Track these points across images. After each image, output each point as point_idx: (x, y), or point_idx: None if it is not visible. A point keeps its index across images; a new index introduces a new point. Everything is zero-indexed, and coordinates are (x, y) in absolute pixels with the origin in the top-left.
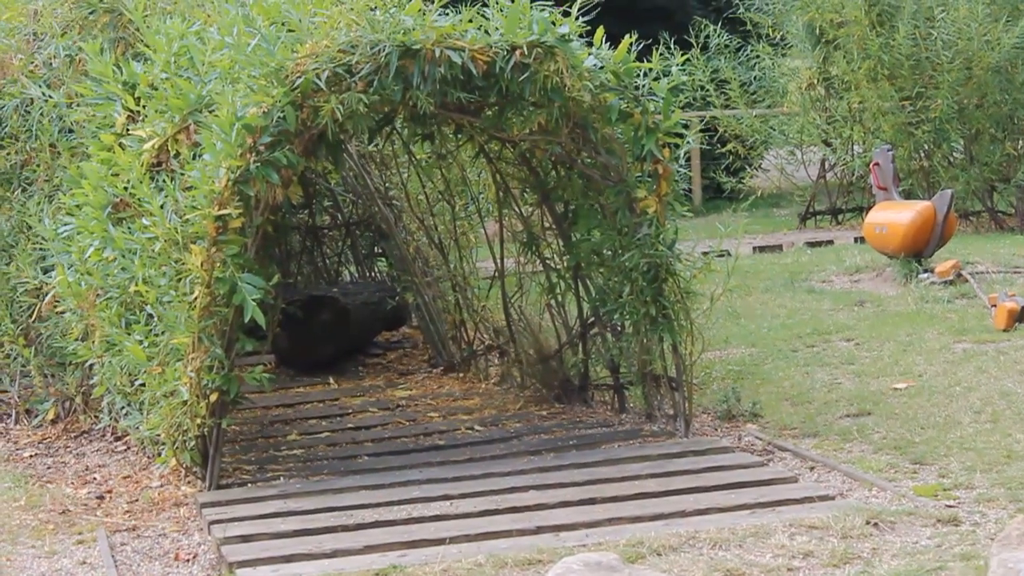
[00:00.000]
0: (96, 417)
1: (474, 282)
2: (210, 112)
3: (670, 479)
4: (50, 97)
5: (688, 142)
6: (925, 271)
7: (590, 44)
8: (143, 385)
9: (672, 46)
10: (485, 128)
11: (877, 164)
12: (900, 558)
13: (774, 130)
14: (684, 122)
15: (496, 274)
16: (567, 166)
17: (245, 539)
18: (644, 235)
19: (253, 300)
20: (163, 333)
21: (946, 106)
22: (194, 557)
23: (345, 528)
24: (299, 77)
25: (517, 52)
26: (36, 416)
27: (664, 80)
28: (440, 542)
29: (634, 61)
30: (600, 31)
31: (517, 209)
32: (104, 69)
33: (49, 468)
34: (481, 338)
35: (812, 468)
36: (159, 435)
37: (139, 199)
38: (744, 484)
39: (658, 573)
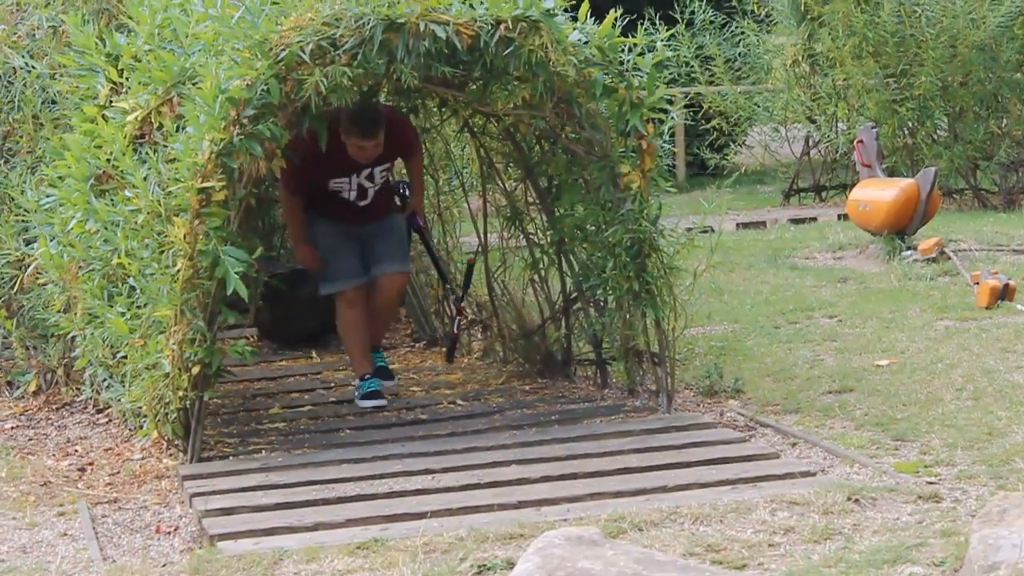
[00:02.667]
0: (78, 389)
1: (457, 257)
2: (194, 84)
3: (652, 454)
4: (33, 68)
5: (672, 118)
6: (908, 248)
7: (575, 19)
8: (125, 357)
9: (657, 22)
10: (469, 102)
11: (861, 141)
12: (881, 534)
13: (758, 107)
14: (668, 98)
15: (479, 249)
16: (551, 141)
17: (226, 512)
18: (628, 210)
19: (236, 273)
20: (145, 305)
21: (930, 83)
22: (175, 530)
23: (326, 502)
24: (283, 50)
25: (502, 26)
26: (17, 388)
27: (649, 55)
28: (422, 516)
29: (619, 36)
30: (585, 5)
31: (501, 184)
32: (87, 41)
33: (30, 440)
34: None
35: (794, 444)
36: (141, 407)
37: (122, 171)
38: (726, 460)
39: (639, 548)
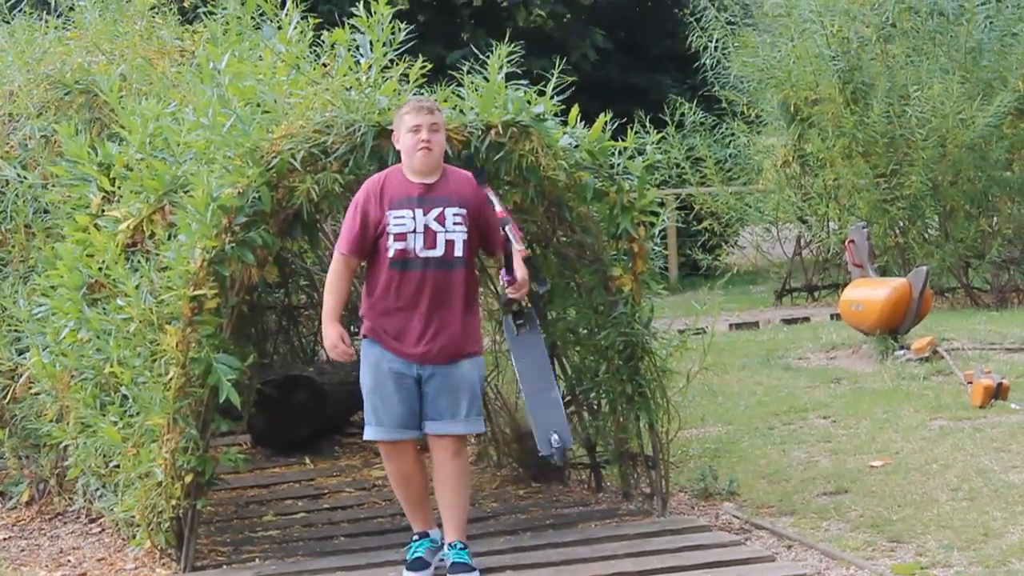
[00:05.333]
0: (70, 499)
1: None
2: (185, 193)
3: (647, 558)
4: (25, 178)
5: (664, 220)
6: (901, 348)
7: (565, 123)
8: (118, 466)
9: (647, 124)
10: None
11: (852, 241)
12: None
13: (750, 207)
14: (659, 200)
15: None
16: (543, 244)
17: None
18: (620, 313)
19: (228, 381)
20: (138, 414)
21: (921, 183)
22: None
23: None
24: (274, 157)
25: (492, 131)
26: (10, 498)
27: (639, 159)
28: None
29: (609, 140)
30: (575, 110)
31: (493, 287)
32: (79, 150)
33: (23, 551)
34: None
35: (790, 547)
36: (134, 517)
37: (114, 280)
38: (721, 563)
39: None
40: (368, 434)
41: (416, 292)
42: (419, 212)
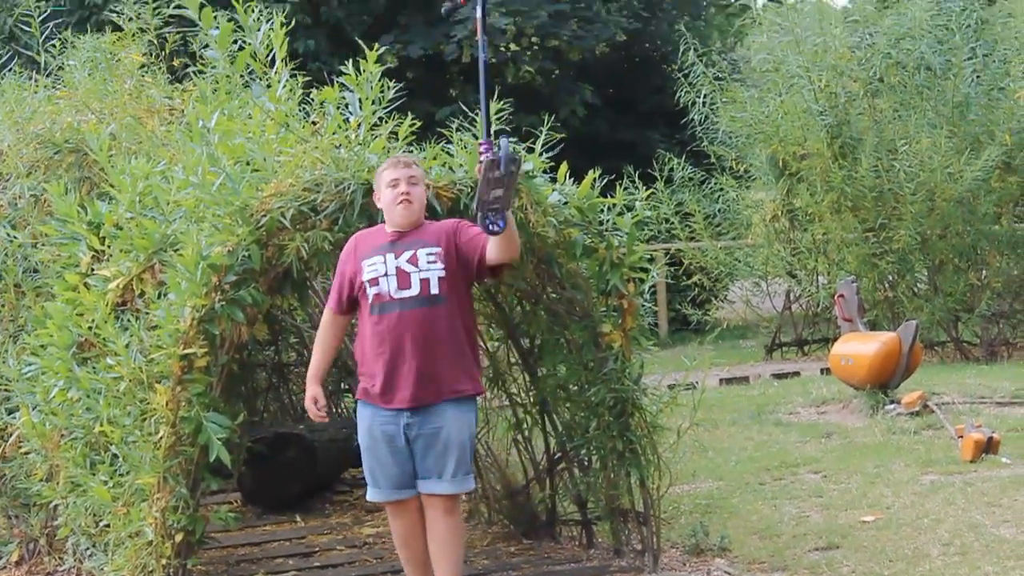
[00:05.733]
0: (60, 559)
1: None
2: (175, 251)
3: None
4: (15, 238)
5: (653, 276)
6: (891, 402)
7: (554, 180)
8: (108, 526)
9: (636, 179)
10: None
11: (842, 295)
12: None
13: (739, 262)
14: (649, 255)
15: None
16: (532, 301)
17: None
18: (610, 370)
19: (219, 439)
20: (128, 473)
21: (909, 237)
22: None
23: None
24: (264, 216)
25: None
26: (0, 559)
27: (628, 215)
28: None
29: (598, 196)
30: (564, 166)
31: (483, 345)
32: (69, 209)
33: None
34: None
35: None
36: None
37: (104, 339)
38: None
39: None
40: (369, 495)
41: (397, 334)
42: (390, 256)
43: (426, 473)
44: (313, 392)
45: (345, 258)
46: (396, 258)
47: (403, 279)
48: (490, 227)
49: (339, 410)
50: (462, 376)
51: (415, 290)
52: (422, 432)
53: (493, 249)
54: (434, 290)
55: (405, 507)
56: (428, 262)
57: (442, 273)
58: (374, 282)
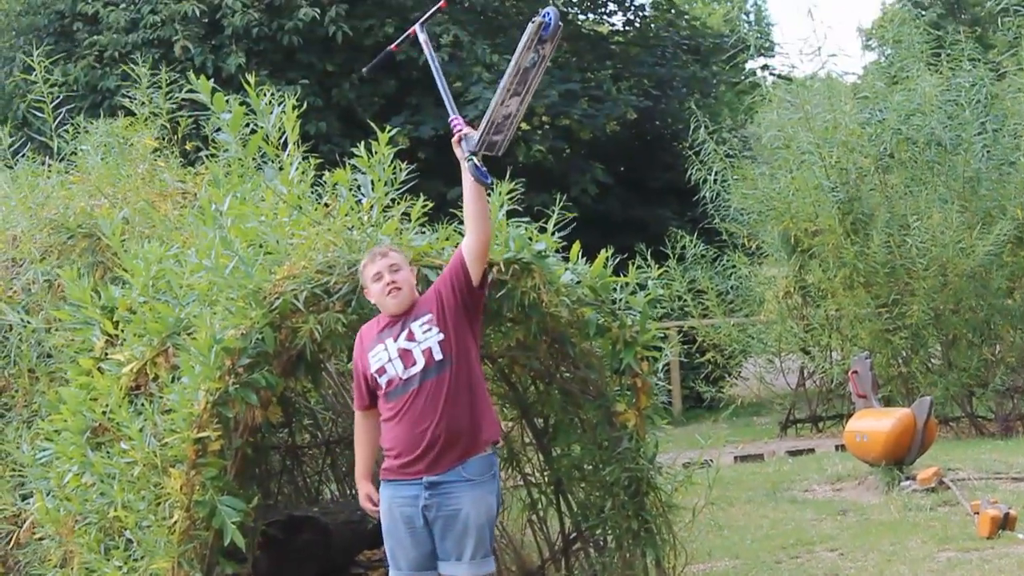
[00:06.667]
0: None
1: None
2: (188, 335)
3: None
4: (29, 323)
5: (666, 354)
6: (907, 479)
7: (566, 259)
8: None
9: (648, 257)
10: None
11: (856, 372)
12: None
13: (752, 338)
14: (662, 334)
15: None
16: (546, 381)
17: None
18: (624, 449)
19: (233, 523)
20: (142, 558)
21: (922, 312)
22: None
23: None
24: (277, 298)
25: (494, 269)
26: None
27: (641, 293)
28: None
29: (611, 275)
30: (576, 245)
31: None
32: (82, 294)
33: None
34: None
35: None
36: None
37: (118, 423)
38: None
39: None
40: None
41: (412, 410)
42: (389, 341)
43: (445, 555)
44: (366, 490)
45: (356, 356)
46: (395, 341)
47: (406, 358)
48: (484, 177)
49: (354, 492)
50: (482, 423)
51: (420, 364)
52: (440, 514)
53: (468, 234)
54: (438, 356)
55: None
56: (424, 332)
57: (440, 337)
58: (381, 371)
